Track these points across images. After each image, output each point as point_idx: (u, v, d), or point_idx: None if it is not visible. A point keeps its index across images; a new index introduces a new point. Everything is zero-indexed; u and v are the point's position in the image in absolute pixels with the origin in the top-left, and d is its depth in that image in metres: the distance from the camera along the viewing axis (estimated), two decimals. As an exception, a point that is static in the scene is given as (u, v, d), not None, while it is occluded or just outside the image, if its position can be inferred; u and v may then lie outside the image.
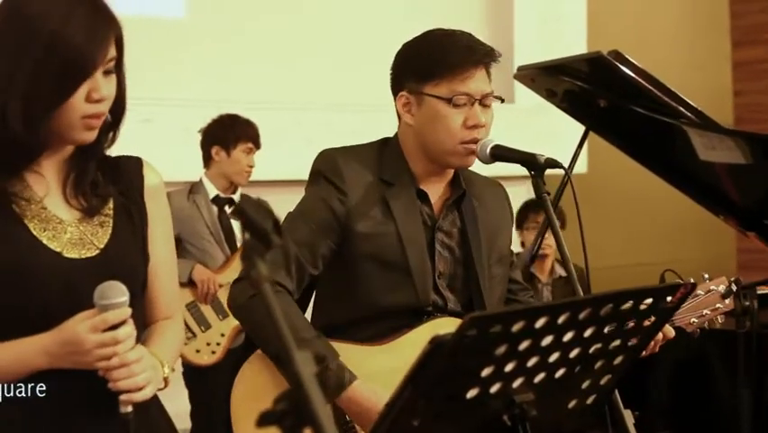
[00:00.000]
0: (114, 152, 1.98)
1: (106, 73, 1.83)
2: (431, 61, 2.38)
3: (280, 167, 5.30)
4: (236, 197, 4.71)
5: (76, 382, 1.79)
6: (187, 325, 3.92)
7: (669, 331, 2.45)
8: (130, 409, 1.76)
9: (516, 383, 1.70)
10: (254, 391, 2.37)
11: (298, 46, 5.73)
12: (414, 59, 2.43)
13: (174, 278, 2.10)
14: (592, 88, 3.38)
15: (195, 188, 4.66)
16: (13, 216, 1.83)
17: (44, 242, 1.84)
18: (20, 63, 1.76)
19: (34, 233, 1.84)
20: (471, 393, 1.65)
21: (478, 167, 2.49)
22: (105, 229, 1.91)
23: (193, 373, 4.43)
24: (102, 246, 1.88)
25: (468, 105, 2.37)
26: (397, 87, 2.46)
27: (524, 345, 1.63)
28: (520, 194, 5.22)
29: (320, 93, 5.85)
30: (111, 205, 1.93)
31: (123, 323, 1.75)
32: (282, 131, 5.52)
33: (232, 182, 4.67)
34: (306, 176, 2.48)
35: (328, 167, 2.42)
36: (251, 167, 4.64)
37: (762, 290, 3.01)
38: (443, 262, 2.46)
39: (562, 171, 2.43)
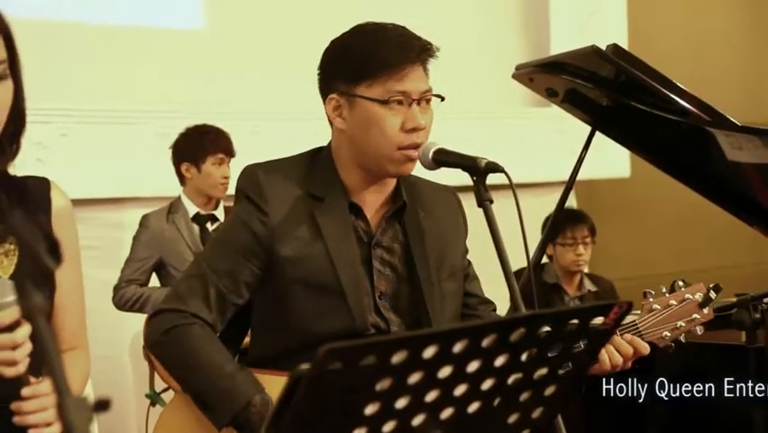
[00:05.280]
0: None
1: None
2: (363, 59, 2.16)
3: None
4: (218, 212, 4.46)
5: None
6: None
7: (641, 346, 2.28)
8: None
9: (417, 421, 1.47)
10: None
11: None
12: (343, 58, 2.20)
13: (80, 305, 1.93)
14: (592, 85, 3.12)
15: (174, 207, 4.40)
16: None
17: None
18: None
19: None
20: (358, 434, 1.43)
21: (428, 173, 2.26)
22: (11, 259, 1.72)
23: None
24: (6, 278, 1.70)
25: (405, 105, 2.14)
26: (325, 90, 2.23)
27: (414, 378, 1.40)
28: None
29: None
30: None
31: (17, 324, 1.54)
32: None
33: (210, 197, 4.43)
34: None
35: (249, 184, 2.21)
36: (227, 178, 4.35)
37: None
38: (383, 280, 2.24)
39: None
